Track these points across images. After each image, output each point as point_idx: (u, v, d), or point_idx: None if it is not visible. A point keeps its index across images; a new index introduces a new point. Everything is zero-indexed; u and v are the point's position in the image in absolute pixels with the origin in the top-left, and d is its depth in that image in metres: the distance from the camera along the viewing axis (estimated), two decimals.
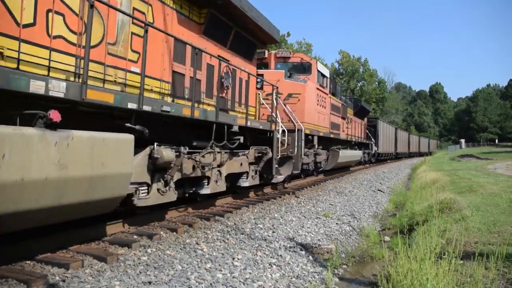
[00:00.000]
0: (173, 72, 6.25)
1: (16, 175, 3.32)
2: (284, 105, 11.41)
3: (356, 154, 20.57)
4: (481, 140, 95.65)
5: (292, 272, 5.02)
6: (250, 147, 8.71)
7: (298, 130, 11.08)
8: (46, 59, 4.04)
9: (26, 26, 3.79)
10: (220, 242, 5.65)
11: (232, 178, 8.30)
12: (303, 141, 11.25)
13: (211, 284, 4.13)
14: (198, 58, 6.74)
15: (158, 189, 5.61)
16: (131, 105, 4.70)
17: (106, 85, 4.83)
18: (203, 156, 6.61)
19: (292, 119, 11.29)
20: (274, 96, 9.80)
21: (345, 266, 5.97)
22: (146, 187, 5.46)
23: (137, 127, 4.93)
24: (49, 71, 4.07)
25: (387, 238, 7.52)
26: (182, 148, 5.82)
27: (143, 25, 5.00)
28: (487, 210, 7.66)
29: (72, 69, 4.36)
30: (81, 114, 4.51)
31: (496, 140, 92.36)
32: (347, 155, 17.70)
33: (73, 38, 4.35)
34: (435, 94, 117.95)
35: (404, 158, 43.78)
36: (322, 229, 7.51)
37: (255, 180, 8.94)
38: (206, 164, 6.65)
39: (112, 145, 4.31)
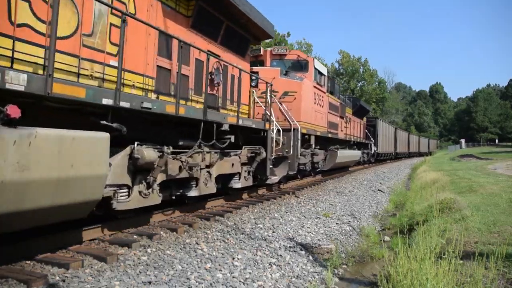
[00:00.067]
0: (158, 67, 5.91)
1: None
2: (280, 103, 11.07)
3: (355, 154, 20.22)
4: (481, 140, 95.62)
5: (292, 272, 5.02)
6: (243, 147, 8.37)
7: (294, 129, 10.75)
8: (8, 49, 3.67)
9: None
10: (220, 242, 5.65)
11: (224, 179, 7.97)
12: (299, 141, 10.94)
13: (211, 284, 4.13)
14: (185, 53, 6.41)
15: (140, 192, 5.25)
16: (107, 101, 4.34)
17: (81, 79, 4.46)
18: (190, 156, 6.29)
19: (288, 118, 10.94)
20: (268, 94, 9.50)
21: (345, 266, 5.97)
22: (126, 190, 5.09)
23: (114, 125, 4.57)
24: (12, 62, 3.71)
25: (387, 238, 7.52)
26: (165, 147, 5.46)
27: (120, 15, 4.62)
28: (487, 210, 7.65)
29: (41, 61, 3.99)
30: (49, 110, 4.16)
31: (496, 140, 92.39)
32: (345, 155, 17.36)
33: (41, 27, 3.97)
34: (435, 94, 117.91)
35: (403, 158, 43.69)
36: (322, 229, 7.51)
37: (248, 181, 8.58)
38: (193, 165, 6.28)
39: (84, 144, 3.95)
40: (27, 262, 4.12)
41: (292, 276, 4.88)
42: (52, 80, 3.66)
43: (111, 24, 4.89)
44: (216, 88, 7.52)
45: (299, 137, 10.92)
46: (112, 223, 5.45)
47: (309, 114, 12.59)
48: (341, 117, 17.58)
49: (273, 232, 6.66)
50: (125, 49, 5.00)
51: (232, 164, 7.82)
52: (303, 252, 5.84)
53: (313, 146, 13.04)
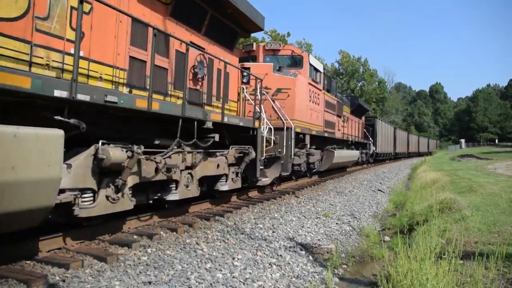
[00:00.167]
0: (131, 58, 5.36)
1: None
2: (273, 101, 10.53)
3: (353, 154, 19.76)
4: (481, 140, 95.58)
5: (292, 272, 5.02)
6: (230, 147, 7.80)
7: (287, 128, 10.23)
8: None
9: None
10: (220, 242, 5.65)
11: (210, 181, 7.48)
12: (293, 140, 10.44)
13: (211, 284, 4.13)
14: (163, 43, 5.90)
15: (107, 197, 4.72)
16: (60, 93, 3.78)
17: (34, 69, 3.94)
18: (169, 157, 5.77)
19: (281, 116, 10.38)
20: (258, 90, 8.99)
21: (345, 266, 5.97)
22: (91, 194, 4.57)
23: (72, 121, 4.03)
24: None
25: (387, 238, 7.51)
26: (135, 147, 4.90)
27: None
28: (487, 210, 7.65)
29: None
30: None
31: (496, 140, 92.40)
32: (343, 155, 16.88)
33: None
34: (435, 94, 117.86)
35: (403, 158, 43.63)
36: (322, 229, 7.51)
37: (236, 183, 8.01)
38: (172, 166, 5.76)
39: (29, 142, 3.39)
40: (27, 262, 4.12)
41: (292, 276, 4.88)
42: None
43: (72, 8, 4.30)
44: (200, 83, 6.97)
45: (292, 137, 10.43)
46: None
47: (304, 112, 12.10)
48: (338, 116, 17.07)
49: (273, 232, 6.66)
50: (91, 36, 4.56)
51: (218, 165, 7.28)
52: (303, 252, 5.84)
53: (308, 146, 12.56)
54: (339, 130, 17.22)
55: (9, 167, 3.24)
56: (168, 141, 5.85)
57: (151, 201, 6.01)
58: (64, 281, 3.75)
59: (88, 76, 4.61)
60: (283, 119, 10.32)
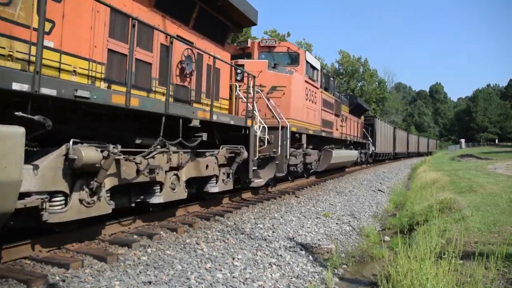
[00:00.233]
0: (110, 51, 5.00)
1: None
2: (267, 99, 10.07)
3: (351, 154, 19.31)
4: (481, 140, 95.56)
5: (292, 272, 5.01)
6: (221, 147, 7.45)
7: (282, 127, 9.82)
8: None
9: None
10: (220, 242, 5.64)
11: (199, 183, 7.13)
12: (288, 140, 10.02)
13: (211, 284, 4.12)
14: (146, 36, 5.56)
15: (81, 200, 4.35)
16: (20, 86, 3.43)
17: None
18: (153, 157, 5.44)
19: (276, 114, 9.94)
20: (251, 87, 8.63)
21: (345, 266, 5.96)
22: (62, 198, 4.20)
23: (36, 117, 3.67)
24: None
25: (387, 238, 7.51)
26: (111, 146, 4.53)
27: None
28: (487, 210, 7.64)
29: None
30: None
31: (496, 140, 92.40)
32: (341, 155, 16.42)
33: None
34: (435, 94, 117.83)
35: (402, 158, 43.61)
36: (322, 229, 7.50)
37: (227, 184, 7.65)
38: (155, 167, 5.40)
39: None
40: (27, 262, 4.11)
41: (292, 276, 4.87)
42: None
43: None
44: (188, 79, 6.63)
45: (288, 136, 10.01)
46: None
47: (300, 111, 11.65)
48: (337, 115, 16.63)
49: (273, 232, 6.66)
50: (63, 26, 4.21)
51: (207, 166, 6.91)
52: (303, 252, 5.84)
53: (305, 145, 12.10)
54: (337, 129, 16.81)
55: None
56: (151, 141, 5.50)
57: (133, 204, 5.68)
58: (64, 281, 3.75)
59: (60, 69, 4.25)
60: (278, 118, 9.92)
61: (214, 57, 6.95)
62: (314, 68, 13.09)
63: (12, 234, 4.32)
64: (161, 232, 5.66)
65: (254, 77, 8.84)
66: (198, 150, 6.70)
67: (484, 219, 6.83)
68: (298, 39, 56.86)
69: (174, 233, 5.74)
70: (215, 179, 7.33)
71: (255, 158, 8.46)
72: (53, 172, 4.07)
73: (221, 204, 8.30)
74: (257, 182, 9.04)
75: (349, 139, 19.51)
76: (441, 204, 7.85)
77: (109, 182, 4.77)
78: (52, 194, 4.10)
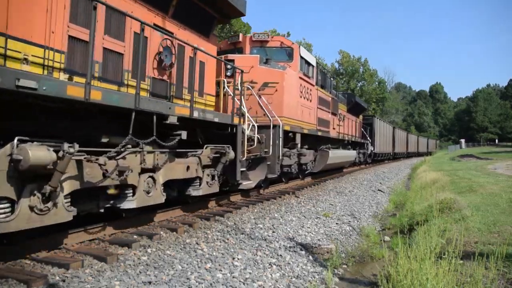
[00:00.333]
0: (71, 38, 4.40)
1: None
2: (259, 96, 9.55)
3: (349, 154, 18.69)
4: (481, 140, 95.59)
5: (292, 272, 5.01)
6: (204, 146, 6.88)
7: (274, 125, 9.26)
8: None
9: None
10: (220, 242, 5.65)
11: (182, 185, 6.62)
12: (281, 139, 9.46)
13: (211, 284, 4.13)
14: (116, 23, 5.01)
15: (31, 207, 3.78)
16: None
17: None
18: (124, 158, 4.90)
19: (267, 112, 9.39)
20: (239, 83, 8.12)
21: (345, 266, 5.96)
22: (8, 205, 3.65)
23: None
24: None
25: (387, 238, 7.51)
26: (66, 145, 3.92)
27: None
28: (487, 210, 7.64)
29: None
30: None
31: (496, 140, 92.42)
32: (338, 155, 15.79)
33: None
34: (435, 94, 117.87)
35: (402, 158, 43.55)
36: (322, 229, 7.50)
37: (212, 187, 7.08)
38: (124, 169, 4.82)
39: None
40: (27, 262, 4.10)
41: (292, 276, 4.88)
42: None
43: None
44: (167, 73, 6.09)
45: (280, 135, 9.43)
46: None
47: (294, 108, 11.02)
48: (334, 114, 15.95)
49: (273, 232, 6.66)
50: (8, 7, 3.65)
51: (188, 167, 6.37)
52: (303, 252, 5.84)
53: (300, 145, 11.51)
54: (334, 128, 16.21)
55: None
56: (121, 139, 4.86)
57: (102, 210, 5.15)
58: (64, 281, 3.75)
59: (5, 56, 3.64)
60: (269, 116, 9.34)
61: (197, 49, 6.36)
62: (309, 64, 12.52)
63: None
64: (161, 232, 5.66)
65: (242, 71, 8.28)
66: (178, 150, 6.17)
67: (484, 219, 6.83)
68: (298, 39, 56.87)
69: (174, 233, 5.72)
70: (198, 181, 6.82)
71: (243, 159, 7.94)
72: None
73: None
74: (246, 184, 8.43)
75: (346, 138, 18.94)
76: (441, 204, 7.86)
77: (69, 186, 4.21)
78: None
